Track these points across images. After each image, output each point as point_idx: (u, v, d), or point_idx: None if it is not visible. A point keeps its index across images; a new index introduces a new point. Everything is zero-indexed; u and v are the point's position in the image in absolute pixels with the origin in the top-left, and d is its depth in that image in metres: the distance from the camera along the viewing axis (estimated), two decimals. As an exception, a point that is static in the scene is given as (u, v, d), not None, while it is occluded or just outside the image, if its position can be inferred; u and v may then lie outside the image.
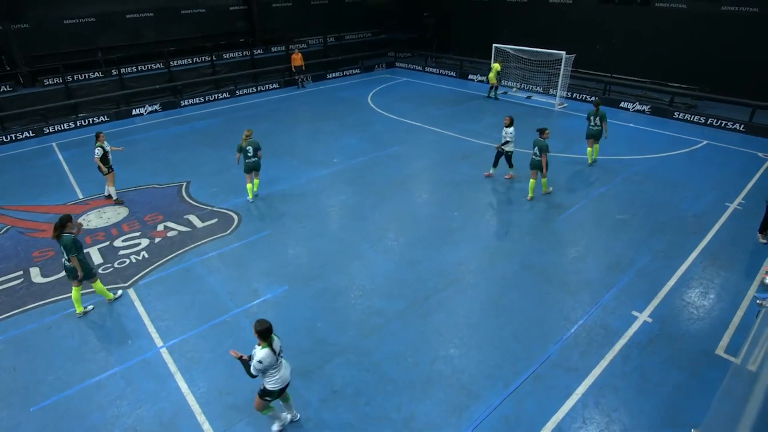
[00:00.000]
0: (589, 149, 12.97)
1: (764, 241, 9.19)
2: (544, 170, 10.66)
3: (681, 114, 17.06)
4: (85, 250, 9.47)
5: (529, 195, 11.13)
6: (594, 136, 12.69)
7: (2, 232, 10.44)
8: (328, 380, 6.31)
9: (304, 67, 22.95)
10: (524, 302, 7.74)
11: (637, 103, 18.16)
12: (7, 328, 7.51)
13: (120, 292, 8.29)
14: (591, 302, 7.70)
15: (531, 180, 11.06)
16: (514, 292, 8.00)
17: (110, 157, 11.17)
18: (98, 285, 7.81)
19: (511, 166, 12.03)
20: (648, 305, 7.61)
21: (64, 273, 8.80)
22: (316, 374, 6.41)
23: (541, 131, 10.67)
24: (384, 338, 7.02)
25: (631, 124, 16.69)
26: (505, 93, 20.87)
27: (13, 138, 16.70)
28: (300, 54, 22.84)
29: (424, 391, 6.12)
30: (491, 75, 19.57)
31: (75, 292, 7.59)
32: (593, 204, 10.91)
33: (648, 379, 6.26)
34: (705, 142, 14.90)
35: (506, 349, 6.79)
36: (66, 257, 7.34)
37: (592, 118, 12.53)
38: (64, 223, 7.27)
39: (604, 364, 6.49)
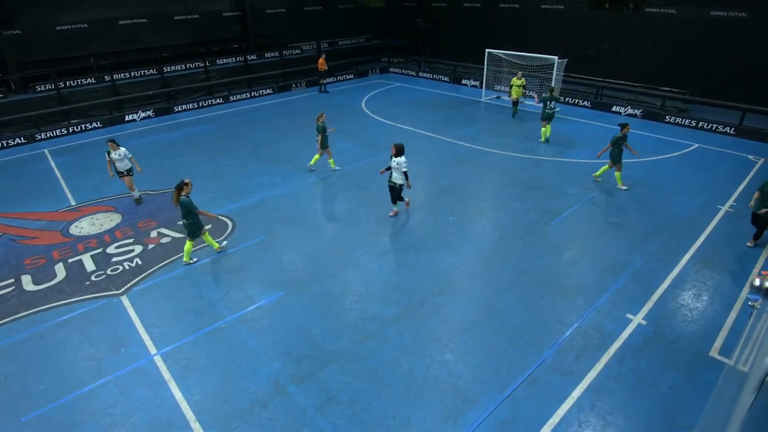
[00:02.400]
0: (543, 129, 15.15)
1: (750, 244, 9.31)
2: (618, 163, 11.57)
3: (672, 118, 17.22)
4: (77, 258, 9.45)
5: (597, 175, 12.29)
6: (549, 118, 14.91)
7: (-7, 239, 10.35)
8: (324, 386, 6.28)
9: (323, 72, 22.89)
10: (519, 306, 7.75)
11: (629, 107, 18.32)
12: (-2, 336, 7.43)
13: (225, 243, 9.64)
14: (585, 306, 7.73)
15: (605, 167, 12.06)
16: (509, 296, 8.01)
17: (116, 165, 11.46)
18: (207, 237, 9.27)
19: (395, 202, 10.51)
20: (642, 308, 7.65)
21: (52, 279, 8.78)
22: (312, 380, 6.38)
23: (623, 126, 11.37)
24: (379, 344, 7.00)
25: (623, 128, 16.81)
26: (498, 98, 20.99)
27: (5, 144, 16.58)
28: (322, 58, 22.78)
29: (420, 396, 6.10)
30: (517, 90, 17.81)
31: (188, 245, 8.99)
32: (586, 207, 10.97)
33: (643, 381, 6.28)
34: (696, 145, 15.04)
35: (501, 353, 6.79)
36: (183, 218, 8.69)
37: (548, 103, 14.76)
38: (180, 187, 8.45)
39: (599, 367, 6.51)
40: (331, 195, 11.99)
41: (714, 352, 6.75)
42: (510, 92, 18.16)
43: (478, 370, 6.50)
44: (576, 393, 6.10)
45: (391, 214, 10.65)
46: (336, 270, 8.86)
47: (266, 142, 16.03)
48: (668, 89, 18.89)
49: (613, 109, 18.65)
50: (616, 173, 11.79)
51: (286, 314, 7.71)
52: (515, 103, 18.22)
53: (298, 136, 16.65)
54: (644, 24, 19.97)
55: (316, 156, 13.18)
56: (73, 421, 5.90)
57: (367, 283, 8.45)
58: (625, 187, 11.81)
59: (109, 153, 11.32)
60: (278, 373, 6.52)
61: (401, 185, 10.07)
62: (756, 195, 9.10)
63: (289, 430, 5.68)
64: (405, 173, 9.85)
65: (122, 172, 11.54)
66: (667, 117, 17.34)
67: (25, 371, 6.72)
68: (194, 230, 8.91)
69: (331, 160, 13.30)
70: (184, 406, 6.04)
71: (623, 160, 11.71)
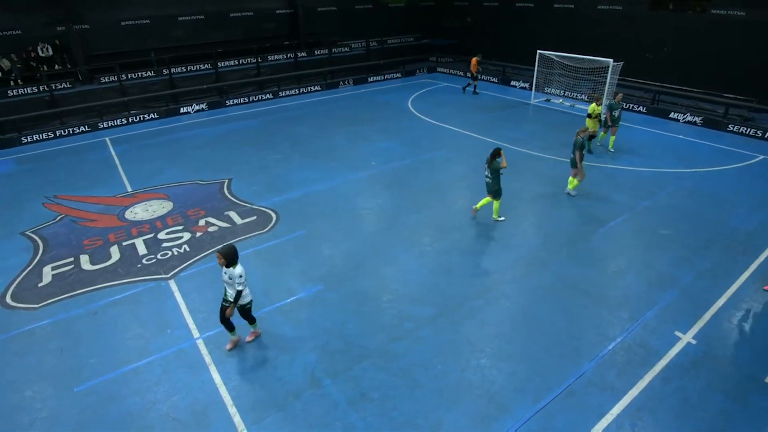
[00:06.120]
0: (612, 137, 14.46)
1: None
2: None
3: (736, 126, 16.22)
4: (130, 241, 9.95)
5: None
6: (616, 124, 14.32)
7: (57, 220, 11.05)
8: (357, 382, 6.34)
9: (476, 73, 21.75)
10: (559, 315, 7.54)
11: (688, 114, 17.40)
12: (56, 311, 7.94)
13: (503, 217, 10.33)
14: (630, 319, 7.42)
15: None
16: (549, 304, 7.80)
17: None
18: (496, 205, 10.25)
19: (251, 321, 6.98)
20: (692, 326, 7.26)
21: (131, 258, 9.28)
22: (345, 375, 6.45)
23: None
24: (413, 344, 7.00)
25: (680, 136, 16.01)
26: (548, 101, 20.46)
27: (71, 132, 17.69)
28: (475, 59, 21.45)
29: (453, 399, 6.06)
30: (593, 122, 13.92)
31: (496, 204, 10.22)
32: (636, 217, 10.52)
33: (689, 403, 5.97)
34: (761, 156, 14.10)
35: (538, 362, 6.63)
36: (489, 177, 9.86)
37: (614, 110, 14.08)
38: (496, 153, 9.71)
39: (642, 384, 6.23)
40: (372, 193, 12.06)
41: (770, 379, 6.33)
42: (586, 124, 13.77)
43: (513, 378, 6.38)
44: (616, 410, 5.87)
45: (248, 339, 7.12)
46: (374, 267, 8.91)
47: (311, 138, 16.31)
48: (732, 96, 17.79)
49: (671, 115, 17.78)
50: None
51: (324, 308, 7.83)
52: (591, 137, 13.76)
53: (342, 133, 16.84)
54: (709, 26, 18.88)
55: (576, 180, 11.42)
56: (119, 395, 6.23)
57: (404, 283, 8.45)
58: None
59: None
60: (313, 365, 6.63)
61: (246, 304, 6.69)
62: None
63: (321, 422, 5.77)
64: (239, 292, 6.39)
65: None
66: (729, 126, 16.35)
67: (79, 345, 7.16)
68: (497, 192, 10.02)
69: (573, 179, 11.42)
70: (223, 390, 6.26)
71: None
